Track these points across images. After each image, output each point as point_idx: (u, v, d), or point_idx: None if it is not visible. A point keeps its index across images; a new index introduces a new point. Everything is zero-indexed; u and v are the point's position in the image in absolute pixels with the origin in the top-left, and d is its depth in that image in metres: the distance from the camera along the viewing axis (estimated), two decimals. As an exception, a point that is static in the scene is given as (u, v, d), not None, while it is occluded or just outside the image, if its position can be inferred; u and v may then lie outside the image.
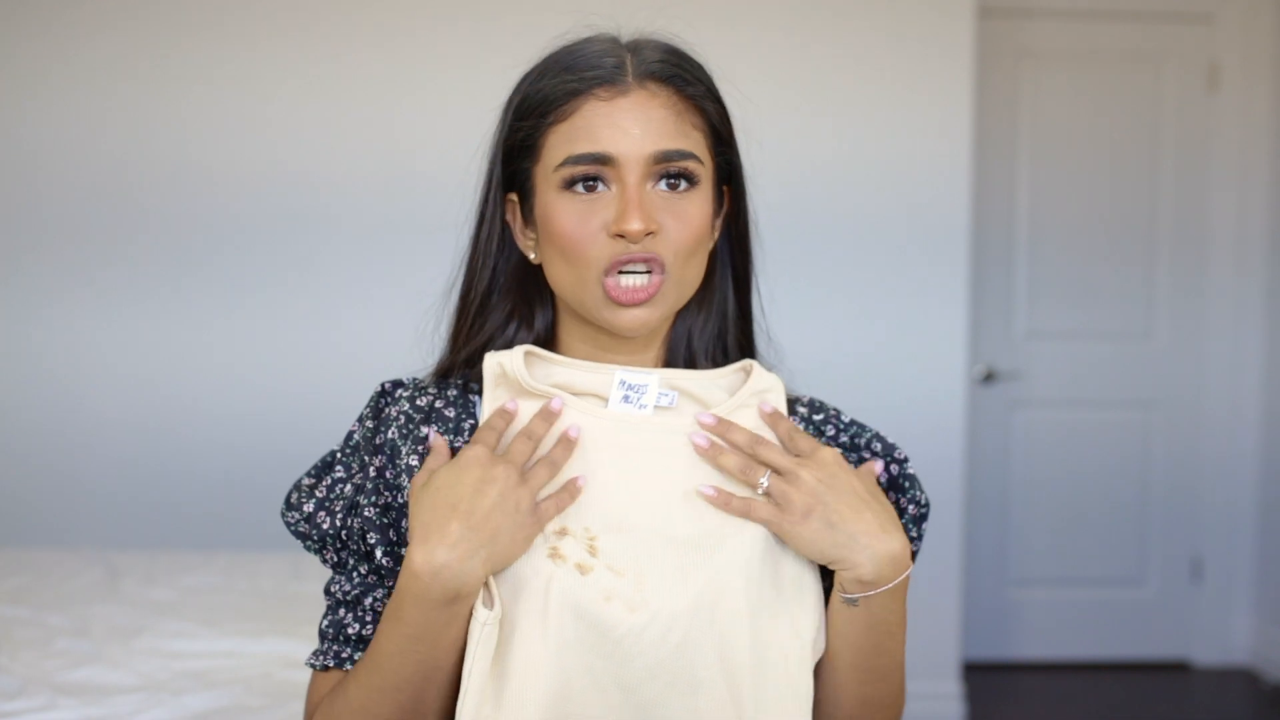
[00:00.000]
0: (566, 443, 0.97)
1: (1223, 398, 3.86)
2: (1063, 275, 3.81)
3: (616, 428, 0.99)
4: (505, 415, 0.98)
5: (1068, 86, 3.77)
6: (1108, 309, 3.83)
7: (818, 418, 1.10)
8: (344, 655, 1.02)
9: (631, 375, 1.01)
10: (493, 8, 3.13)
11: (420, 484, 0.95)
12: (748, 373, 1.06)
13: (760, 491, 0.97)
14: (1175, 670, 3.88)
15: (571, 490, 0.96)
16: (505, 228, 1.06)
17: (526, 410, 1.00)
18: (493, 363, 1.02)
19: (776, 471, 0.98)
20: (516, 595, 0.93)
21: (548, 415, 0.98)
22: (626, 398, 1.00)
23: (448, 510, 0.91)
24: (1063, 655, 3.89)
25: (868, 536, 0.95)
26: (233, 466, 3.14)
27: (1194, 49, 3.79)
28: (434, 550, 0.90)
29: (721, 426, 0.99)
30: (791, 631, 0.97)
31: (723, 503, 0.97)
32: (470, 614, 0.93)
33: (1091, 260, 3.81)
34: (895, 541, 0.96)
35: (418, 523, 0.92)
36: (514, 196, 1.05)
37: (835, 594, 0.99)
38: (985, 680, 3.69)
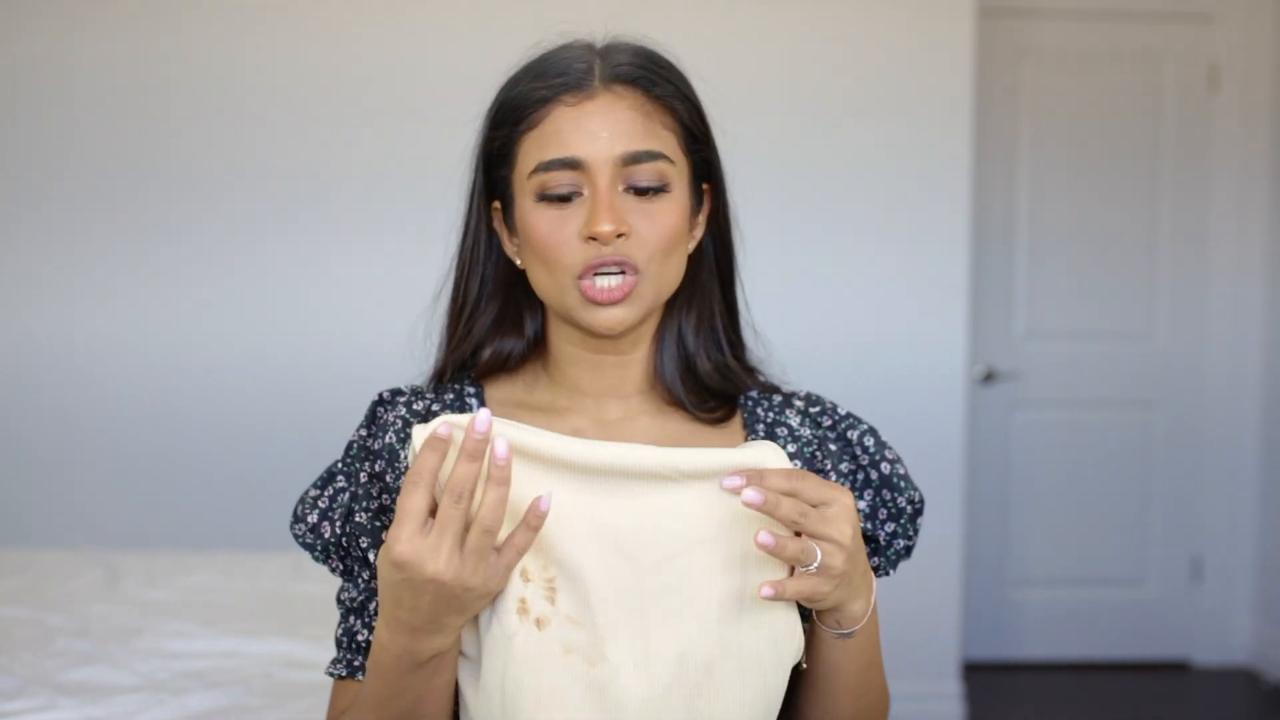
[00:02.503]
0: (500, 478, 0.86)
1: (1223, 398, 3.86)
2: (1063, 275, 3.81)
3: (579, 461, 0.91)
4: (439, 449, 0.86)
5: (1068, 86, 3.77)
6: (1108, 309, 3.83)
7: (814, 410, 1.10)
8: (355, 664, 1.03)
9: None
10: (486, 13, 3.12)
11: (386, 548, 0.86)
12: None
13: (814, 568, 0.89)
14: (1175, 670, 3.88)
15: (533, 523, 0.86)
16: (491, 234, 1.07)
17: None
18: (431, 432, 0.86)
19: (817, 537, 0.90)
20: (481, 651, 0.92)
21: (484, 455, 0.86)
22: None
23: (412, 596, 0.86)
24: (1063, 655, 3.89)
25: (864, 580, 0.95)
26: (233, 467, 3.14)
27: (1194, 49, 3.79)
28: (396, 632, 0.89)
29: (753, 478, 0.89)
30: (766, 666, 0.94)
31: (781, 580, 0.89)
32: (453, 663, 0.93)
33: (1091, 260, 3.81)
34: (871, 573, 0.98)
35: (387, 598, 0.88)
36: (498, 204, 1.05)
37: (825, 631, 0.97)
38: (985, 680, 3.69)
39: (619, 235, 0.96)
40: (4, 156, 3.10)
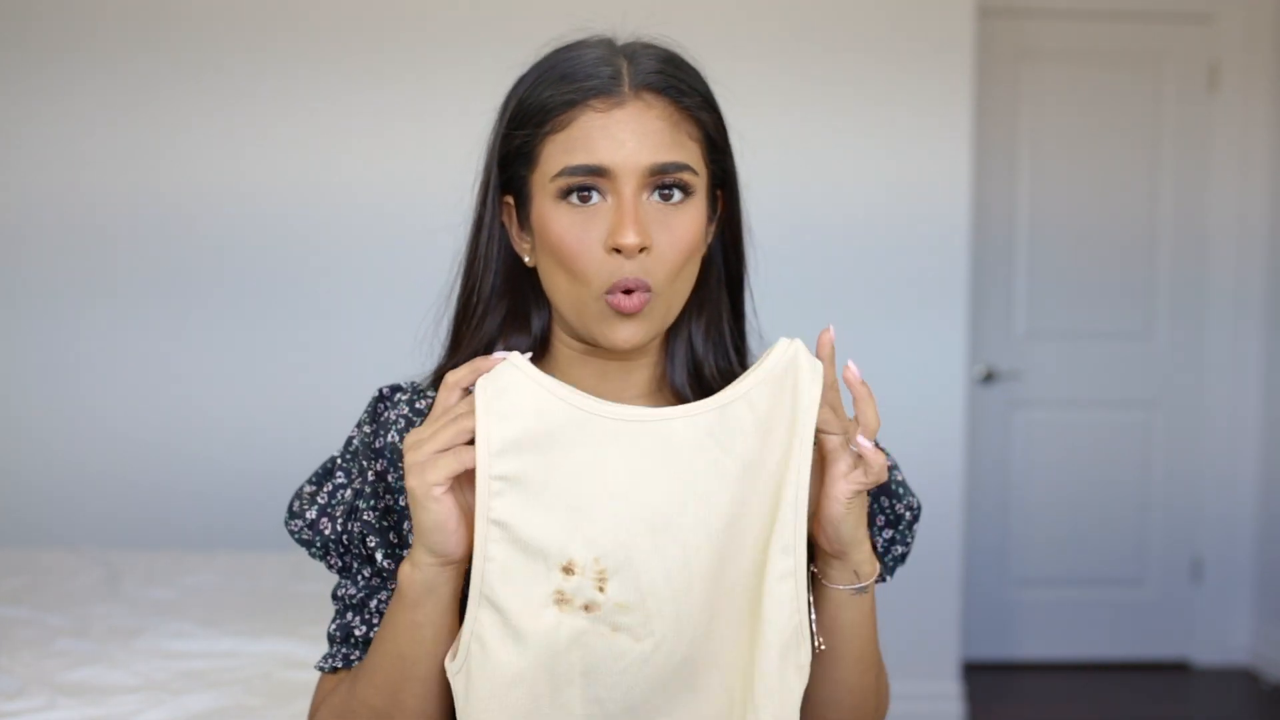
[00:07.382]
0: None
1: (1223, 398, 3.86)
2: (1063, 275, 3.81)
3: (622, 428, 0.95)
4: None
5: (1068, 86, 3.77)
6: (1108, 309, 3.83)
7: None
8: (351, 657, 1.03)
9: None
10: (489, 13, 3.13)
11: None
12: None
13: (852, 448, 0.95)
14: (1175, 670, 3.88)
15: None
16: (502, 229, 1.06)
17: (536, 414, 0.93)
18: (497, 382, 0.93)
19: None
20: (522, 647, 0.92)
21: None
22: None
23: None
24: (1063, 655, 3.89)
25: (865, 524, 0.99)
26: (233, 467, 3.14)
27: (1194, 49, 3.79)
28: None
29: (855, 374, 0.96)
30: (783, 626, 0.96)
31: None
32: (441, 613, 0.94)
33: (1091, 260, 3.81)
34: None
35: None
36: (510, 199, 1.05)
37: (840, 589, 0.99)
38: (985, 680, 3.69)
39: (642, 249, 0.96)
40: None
